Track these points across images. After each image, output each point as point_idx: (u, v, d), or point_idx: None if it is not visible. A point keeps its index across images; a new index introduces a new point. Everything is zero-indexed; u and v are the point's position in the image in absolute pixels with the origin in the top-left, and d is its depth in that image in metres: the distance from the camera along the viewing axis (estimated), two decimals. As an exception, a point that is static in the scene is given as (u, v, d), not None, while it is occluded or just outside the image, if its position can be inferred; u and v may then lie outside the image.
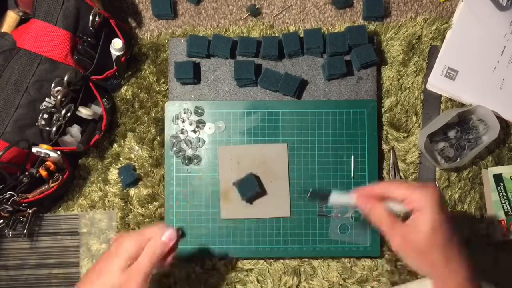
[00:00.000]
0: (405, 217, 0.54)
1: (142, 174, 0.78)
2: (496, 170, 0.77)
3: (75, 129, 0.73)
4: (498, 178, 0.77)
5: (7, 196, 0.68)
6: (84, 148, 0.71)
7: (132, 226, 0.77)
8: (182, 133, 0.76)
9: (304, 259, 0.77)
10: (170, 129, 0.77)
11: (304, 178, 0.76)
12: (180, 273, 0.75)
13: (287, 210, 0.75)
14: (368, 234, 0.75)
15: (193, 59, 0.78)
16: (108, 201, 0.78)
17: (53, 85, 0.68)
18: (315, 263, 0.77)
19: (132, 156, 0.78)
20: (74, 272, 0.77)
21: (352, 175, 0.76)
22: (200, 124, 0.77)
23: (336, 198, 0.59)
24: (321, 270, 0.76)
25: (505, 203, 0.76)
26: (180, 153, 0.76)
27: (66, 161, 0.71)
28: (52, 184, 0.70)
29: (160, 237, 0.56)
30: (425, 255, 0.52)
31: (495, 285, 0.69)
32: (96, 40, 0.72)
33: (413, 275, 0.77)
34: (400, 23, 0.81)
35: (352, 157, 0.76)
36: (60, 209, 0.78)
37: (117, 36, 0.73)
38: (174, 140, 0.76)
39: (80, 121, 0.74)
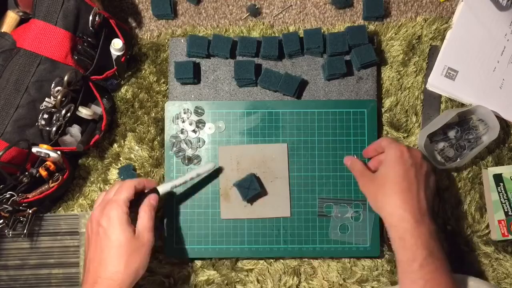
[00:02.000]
0: None
1: (142, 174, 0.78)
2: (496, 170, 0.77)
3: (75, 129, 0.73)
4: (498, 178, 0.77)
5: (7, 196, 0.68)
6: (84, 148, 0.71)
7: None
8: (182, 133, 0.76)
9: (304, 259, 0.77)
10: (170, 129, 0.77)
11: (304, 178, 0.76)
12: (180, 274, 0.75)
13: (287, 210, 0.75)
14: (368, 234, 0.75)
15: (193, 59, 0.78)
16: (108, 201, 0.78)
17: (53, 85, 0.68)
18: (315, 263, 0.77)
19: (132, 156, 0.78)
20: (74, 272, 0.77)
21: None
22: (200, 124, 0.77)
23: None
24: (321, 270, 0.76)
25: (505, 203, 0.76)
26: (180, 153, 0.76)
27: (66, 161, 0.71)
28: (52, 184, 0.70)
29: (149, 202, 0.66)
30: (378, 195, 0.64)
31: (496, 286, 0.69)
32: (96, 40, 0.72)
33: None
34: (400, 23, 0.81)
35: (355, 156, 0.76)
36: (60, 209, 0.78)
37: (117, 36, 0.73)
38: (174, 140, 0.76)
39: (80, 121, 0.74)
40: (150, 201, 0.66)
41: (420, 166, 0.65)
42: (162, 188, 0.69)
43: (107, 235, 0.60)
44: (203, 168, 0.71)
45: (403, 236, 0.60)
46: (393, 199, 0.62)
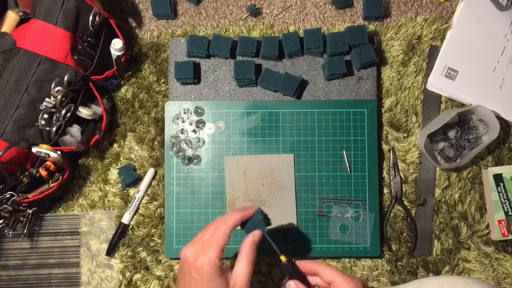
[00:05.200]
0: None
1: (142, 174, 0.78)
2: (496, 170, 0.77)
3: (75, 129, 0.73)
4: (498, 178, 0.77)
5: (7, 196, 0.68)
6: (84, 148, 0.71)
7: (131, 226, 0.77)
8: (182, 133, 0.76)
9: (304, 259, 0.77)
10: (170, 129, 0.77)
11: (304, 178, 0.76)
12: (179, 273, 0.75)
13: (293, 221, 0.75)
14: (368, 234, 0.75)
15: (193, 59, 0.78)
16: (108, 201, 0.78)
17: (53, 85, 0.68)
18: (315, 263, 0.76)
19: (132, 156, 0.78)
20: (74, 272, 0.77)
21: (348, 170, 0.76)
22: (200, 124, 0.77)
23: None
24: (321, 270, 0.76)
25: (505, 203, 0.76)
26: (180, 153, 0.76)
27: (66, 161, 0.71)
28: (52, 184, 0.70)
29: (250, 239, 0.58)
30: None
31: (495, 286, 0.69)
32: (96, 40, 0.72)
33: (413, 275, 0.77)
34: (400, 23, 0.81)
35: (344, 152, 0.76)
36: (60, 209, 0.78)
37: (117, 36, 0.73)
38: (174, 140, 0.76)
39: (80, 121, 0.74)
40: (252, 241, 0.58)
41: None
42: (127, 217, 0.76)
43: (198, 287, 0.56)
44: (146, 179, 0.77)
45: None
46: None
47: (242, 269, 0.56)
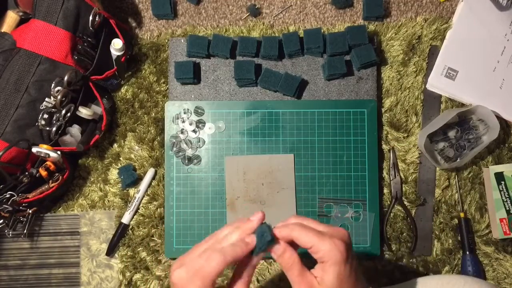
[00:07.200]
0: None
1: (142, 174, 0.78)
2: (497, 169, 0.77)
3: (75, 129, 0.73)
4: (499, 177, 0.77)
5: (7, 196, 0.68)
6: (84, 148, 0.71)
7: (131, 226, 0.77)
8: (182, 133, 0.76)
9: (304, 259, 0.76)
10: (170, 129, 0.77)
11: (304, 178, 0.76)
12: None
13: None
14: (368, 234, 0.75)
15: (193, 59, 0.78)
16: (108, 201, 0.78)
17: (53, 85, 0.68)
18: (315, 263, 0.76)
19: (132, 156, 0.78)
20: (74, 272, 0.77)
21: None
22: (200, 124, 0.77)
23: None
24: (321, 270, 0.76)
25: (506, 201, 0.76)
26: (180, 153, 0.76)
27: (66, 161, 0.71)
28: (52, 184, 0.70)
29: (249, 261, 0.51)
30: None
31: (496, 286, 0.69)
32: (96, 40, 0.72)
33: (413, 275, 0.76)
34: (400, 23, 0.81)
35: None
36: (60, 209, 0.78)
37: (117, 36, 0.73)
38: (174, 140, 0.76)
39: (80, 121, 0.74)
40: (252, 267, 0.51)
41: (354, 256, 0.51)
42: (127, 217, 0.76)
43: None
44: (146, 179, 0.77)
45: None
46: None
47: None
